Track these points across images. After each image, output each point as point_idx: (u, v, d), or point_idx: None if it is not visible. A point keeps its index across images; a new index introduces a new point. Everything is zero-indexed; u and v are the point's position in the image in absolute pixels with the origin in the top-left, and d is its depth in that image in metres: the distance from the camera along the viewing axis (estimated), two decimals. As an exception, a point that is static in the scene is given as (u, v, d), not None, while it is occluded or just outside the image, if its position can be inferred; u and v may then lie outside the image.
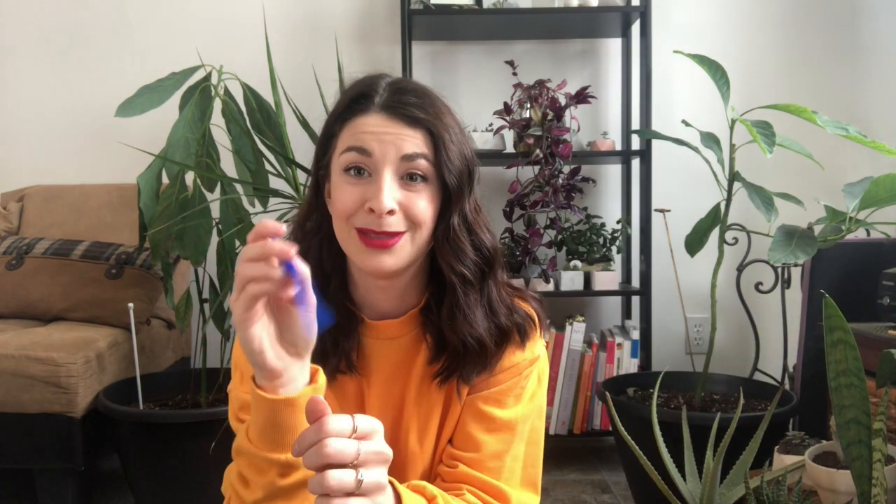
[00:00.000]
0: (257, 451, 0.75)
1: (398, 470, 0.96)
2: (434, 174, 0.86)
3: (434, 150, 0.86)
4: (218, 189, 2.09)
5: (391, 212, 0.83)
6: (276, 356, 0.71)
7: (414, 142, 0.85)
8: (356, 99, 0.88)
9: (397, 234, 0.84)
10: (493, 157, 2.44)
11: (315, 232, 0.92)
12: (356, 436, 0.66)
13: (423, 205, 0.86)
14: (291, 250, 0.67)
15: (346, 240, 0.87)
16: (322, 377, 0.76)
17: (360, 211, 0.84)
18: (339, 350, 0.91)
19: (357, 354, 0.93)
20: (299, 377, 0.74)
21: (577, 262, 2.42)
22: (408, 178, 0.86)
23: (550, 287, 2.40)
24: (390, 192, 0.83)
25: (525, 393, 0.93)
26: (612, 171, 2.72)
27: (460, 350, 0.89)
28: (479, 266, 0.90)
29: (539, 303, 0.98)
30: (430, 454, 0.94)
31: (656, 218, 2.45)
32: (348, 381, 0.94)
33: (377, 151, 0.84)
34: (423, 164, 0.85)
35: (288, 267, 0.68)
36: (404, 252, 0.86)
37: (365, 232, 0.84)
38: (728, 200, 1.98)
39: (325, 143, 0.91)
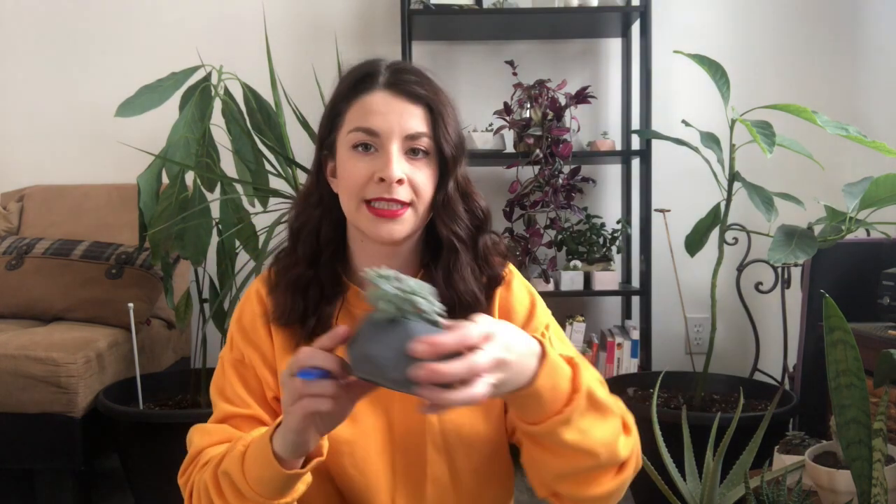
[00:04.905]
0: (255, 497, 0.81)
1: (412, 439, 0.97)
2: (433, 148, 0.93)
3: (433, 124, 0.92)
4: (218, 189, 2.09)
5: (400, 181, 0.89)
6: (314, 442, 0.80)
7: (416, 119, 0.92)
8: (361, 78, 0.94)
9: (403, 205, 0.90)
10: (493, 157, 2.44)
11: (315, 206, 0.98)
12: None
13: (425, 177, 0.92)
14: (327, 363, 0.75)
15: (355, 213, 0.92)
16: (326, 446, 0.84)
17: (370, 183, 0.90)
18: (318, 313, 0.94)
19: (337, 322, 0.96)
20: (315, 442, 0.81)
21: (577, 262, 2.42)
22: (411, 152, 0.92)
23: (550, 287, 2.40)
24: (398, 164, 0.90)
25: (536, 310, 1.01)
26: (612, 171, 2.72)
27: (455, 306, 0.93)
28: (473, 227, 0.97)
29: (499, 235, 1.05)
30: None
31: (656, 218, 2.45)
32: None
33: (384, 129, 0.90)
34: (424, 141, 0.92)
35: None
36: (409, 221, 0.92)
37: (375, 201, 0.90)
38: (728, 200, 1.98)
39: (330, 122, 0.96)
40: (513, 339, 0.74)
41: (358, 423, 0.94)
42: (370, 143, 0.91)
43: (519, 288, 1.01)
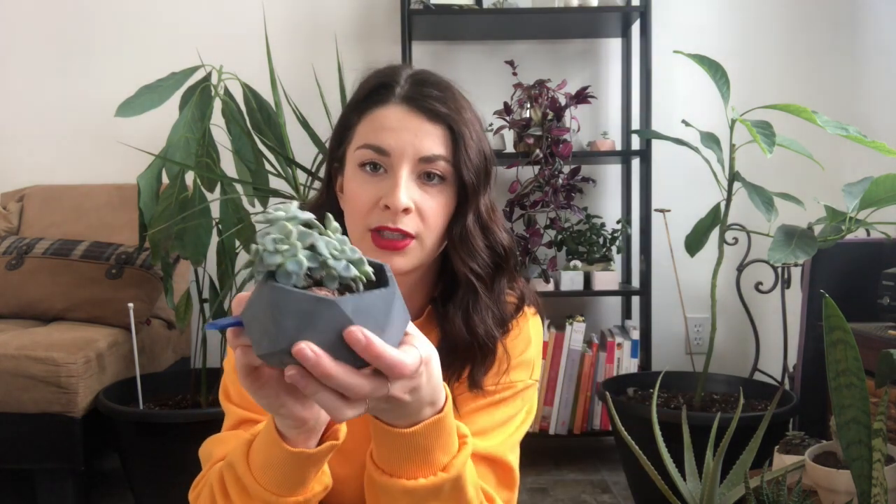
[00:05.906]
0: (262, 493, 0.70)
1: None
2: (451, 173, 0.84)
3: (453, 146, 0.84)
4: (218, 189, 2.09)
5: (406, 210, 0.81)
6: (302, 405, 0.63)
7: (433, 140, 0.83)
8: (376, 89, 0.86)
9: (407, 237, 0.82)
10: (493, 157, 2.44)
11: None
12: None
13: (438, 207, 0.84)
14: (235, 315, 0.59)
15: (358, 240, 0.84)
16: (344, 430, 0.71)
17: (375, 209, 0.82)
18: None
19: None
20: (323, 416, 0.68)
21: (577, 262, 2.42)
22: (425, 177, 0.84)
23: (550, 287, 2.40)
24: (406, 190, 0.81)
25: (520, 363, 0.91)
26: (612, 171, 2.72)
27: (475, 349, 0.86)
28: (493, 265, 0.88)
29: (525, 282, 0.97)
30: None
31: (656, 218, 2.45)
32: None
33: (395, 149, 0.82)
34: (441, 165, 0.83)
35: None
36: (414, 254, 0.83)
37: (379, 230, 0.82)
38: (728, 200, 1.98)
39: (341, 133, 0.89)
40: (424, 383, 0.62)
41: (352, 462, 0.87)
42: (379, 163, 0.83)
43: (523, 337, 0.91)
